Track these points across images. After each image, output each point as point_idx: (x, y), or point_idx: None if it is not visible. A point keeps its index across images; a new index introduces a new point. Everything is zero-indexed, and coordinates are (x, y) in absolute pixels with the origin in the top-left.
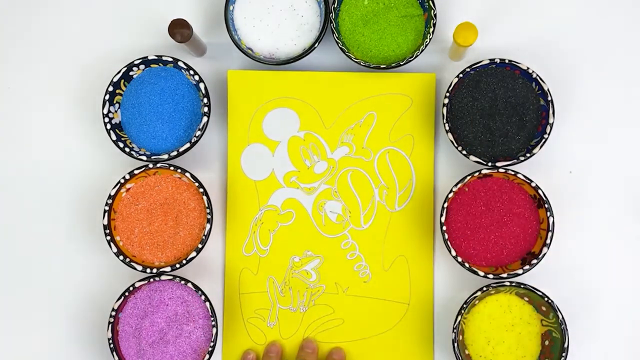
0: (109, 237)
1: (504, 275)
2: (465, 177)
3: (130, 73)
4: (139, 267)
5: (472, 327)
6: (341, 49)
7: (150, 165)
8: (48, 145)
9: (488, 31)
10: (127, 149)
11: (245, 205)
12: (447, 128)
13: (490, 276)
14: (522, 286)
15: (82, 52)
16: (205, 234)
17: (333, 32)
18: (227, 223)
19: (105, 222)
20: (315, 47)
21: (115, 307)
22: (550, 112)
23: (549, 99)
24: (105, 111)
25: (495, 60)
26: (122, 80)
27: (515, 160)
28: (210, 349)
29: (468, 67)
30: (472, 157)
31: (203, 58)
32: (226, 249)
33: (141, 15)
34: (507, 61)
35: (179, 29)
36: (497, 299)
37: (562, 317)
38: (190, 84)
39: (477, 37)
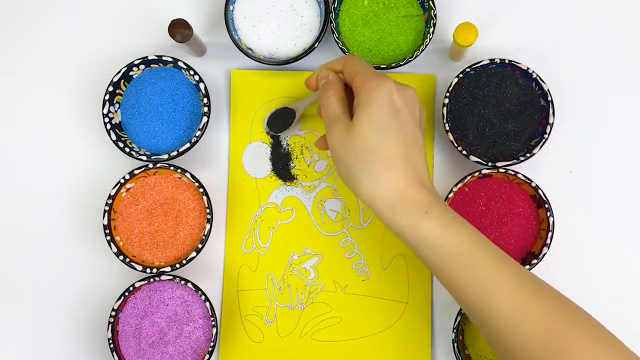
0: (109, 237)
1: None
2: (465, 177)
3: (130, 73)
4: (139, 267)
5: (472, 327)
6: (341, 49)
7: (150, 165)
8: (48, 145)
9: (488, 31)
10: (127, 149)
11: (245, 203)
12: (447, 128)
13: None
14: None
15: (82, 52)
16: (205, 234)
17: (333, 32)
18: (227, 220)
19: (105, 222)
20: (315, 47)
21: (115, 307)
22: (550, 112)
23: (549, 99)
24: (105, 111)
25: (495, 60)
26: (122, 80)
27: (515, 160)
28: (210, 349)
29: (468, 67)
30: (472, 157)
31: (203, 58)
32: (226, 245)
33: (141, 15)
34: (507, 61)
35: (179, 29)
36: None
37: None
38: (190, 84)
39: (477, 37)
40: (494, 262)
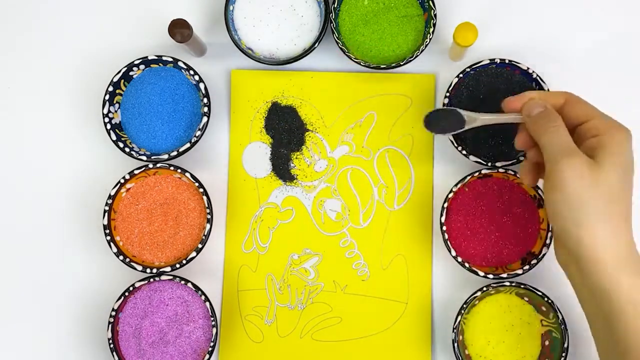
0: (109, 237)
1: (504, 275)
2: (465, 177)
3: (130, 73)
4: (139, 267)
5: (472, 327)
6: (341, 49)
7: (150, 165)
8: (48, 145)
9: (488, 31)
10: (127, 149)
11: (245, 203)
12: None
13: (490, 276)
14: (522, 286)
15: (82, 52)
16: (205, 234)
17: (333, 32)
18: (227, 220)
19: (105, 222)
20: (315, 47)
21: (115, 307)
22: None
23: None
24: (105, 111)
25: (495, 60)
26: (122, 80)
27: (515, 160)
28: (210, 349)
29: (468, 67)
30: (472, 157)
31: (203, 58)
32: (226, 245)
33: (141, 15)
34: (507, 61)
35: (179, 29)
36: (497, 299)
37: (562, 317)
38: (190, 84)
39: (477, 37)
40: None
